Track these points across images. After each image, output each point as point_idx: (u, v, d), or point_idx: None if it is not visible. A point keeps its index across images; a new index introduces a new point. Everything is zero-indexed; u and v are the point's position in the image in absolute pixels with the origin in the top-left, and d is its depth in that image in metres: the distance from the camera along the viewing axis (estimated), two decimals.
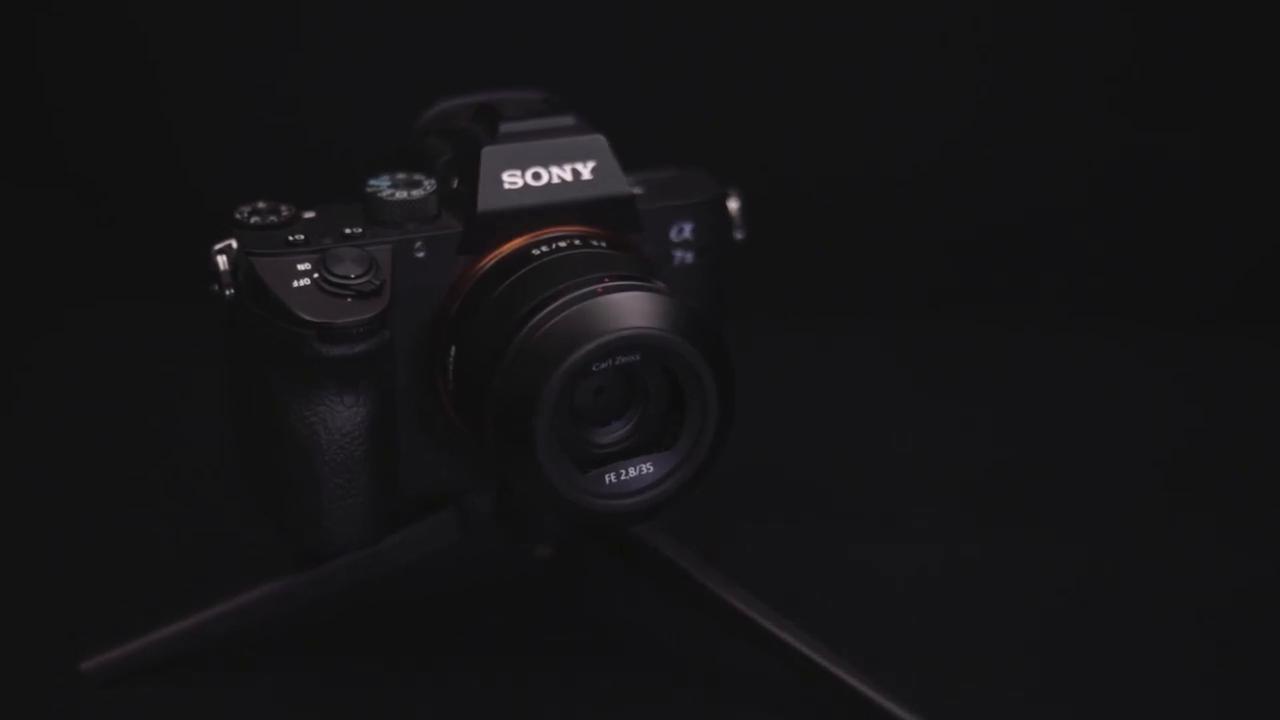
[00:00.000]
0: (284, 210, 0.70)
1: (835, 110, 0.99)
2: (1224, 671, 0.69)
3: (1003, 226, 0.98)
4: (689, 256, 0.71)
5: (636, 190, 0.69)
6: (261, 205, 0.70)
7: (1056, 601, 0.74)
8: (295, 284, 0.65)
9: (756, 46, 0.97)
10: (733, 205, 0.72)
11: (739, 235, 0.72)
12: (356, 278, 0.66)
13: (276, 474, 0.67)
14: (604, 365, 0.64)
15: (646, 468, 0.66)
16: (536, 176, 0.67)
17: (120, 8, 0.98)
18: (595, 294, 0.65)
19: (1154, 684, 0.69)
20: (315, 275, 0.66)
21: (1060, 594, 0.74)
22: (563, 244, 0.69)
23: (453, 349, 0.69)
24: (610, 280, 0.65)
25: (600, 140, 0.67)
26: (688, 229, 0.71)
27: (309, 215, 0.70)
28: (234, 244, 0.68)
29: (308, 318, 0.64)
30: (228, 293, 0.69)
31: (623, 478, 0.65)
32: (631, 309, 0.65)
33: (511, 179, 0.67)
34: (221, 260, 0.68)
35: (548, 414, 0.64)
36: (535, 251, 0.69)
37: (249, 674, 0.71)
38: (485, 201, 0.67)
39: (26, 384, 0.91)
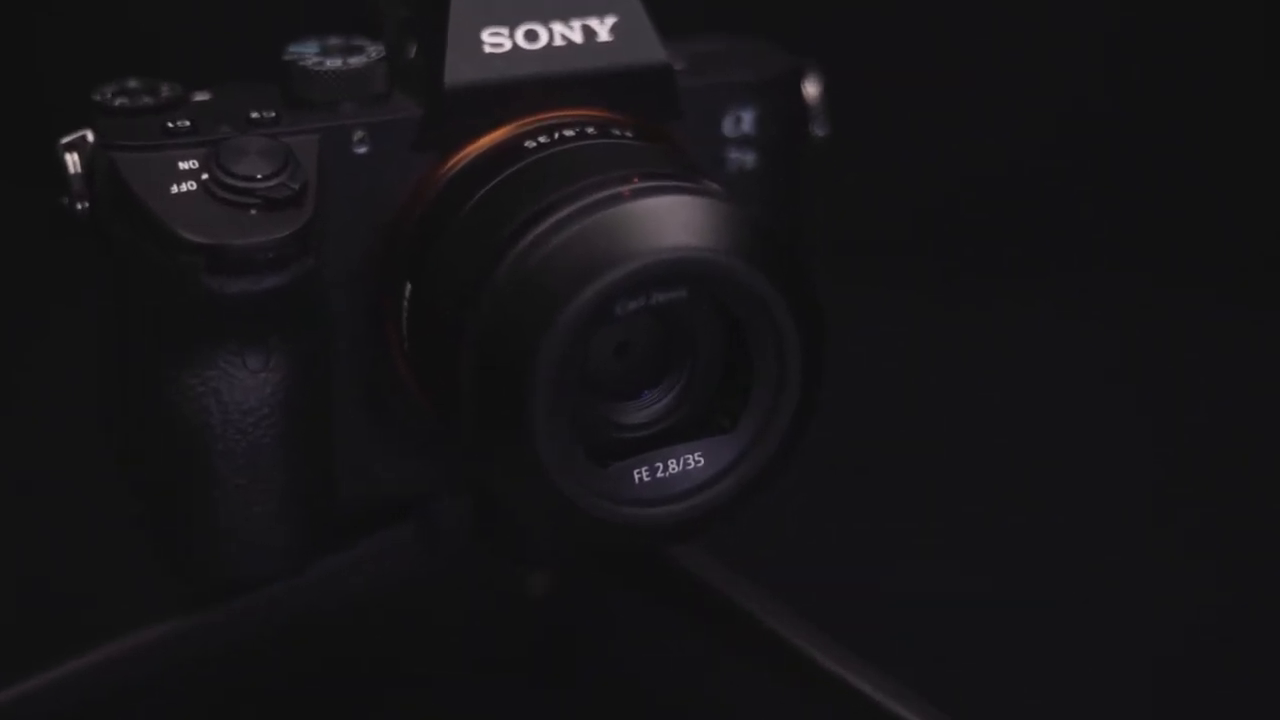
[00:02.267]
0: (164, 90, 0.51)
1: None
2: None
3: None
4: (749, 158, 0.55)
5: (677, 64, 0.53)
6: (133, 84, 0.52)
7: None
8: (175, 189, 0.48)
9: None
10: (811, 89, 0.56)
11: (820, 131, 0.56)
12: (264, 178, 0.48)
13: (156, 473, 0.51)
14: (634, 305, 0.46)
15: (694, 459, 0.48)
16: (531, 36, 0.51)
17: (120, 7, 0.94)
18: (621, 199, 0.46)
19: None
20: (204, 177, 0.48)
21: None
22: (569, 133, 0.50)
23: (408, 287, 0.50)
24: (641, 180, 0.47)
25: None
26: (748, 119, 0.54)
27: (201, 96, 0.52)
28: (89, 135, 0.50)
29: (191, 237, 0.47)
30: (80, 206, 0.50)
31: (660, 475, 0.48)
32: (675, 221, 0.46)
33: (495, 39, 0.51)
34: (71, 159, 0.50)
35: (549, 379, 0.45)
36: (529, 144, 0.50)
37: None
38: (456, 72, 0.50)
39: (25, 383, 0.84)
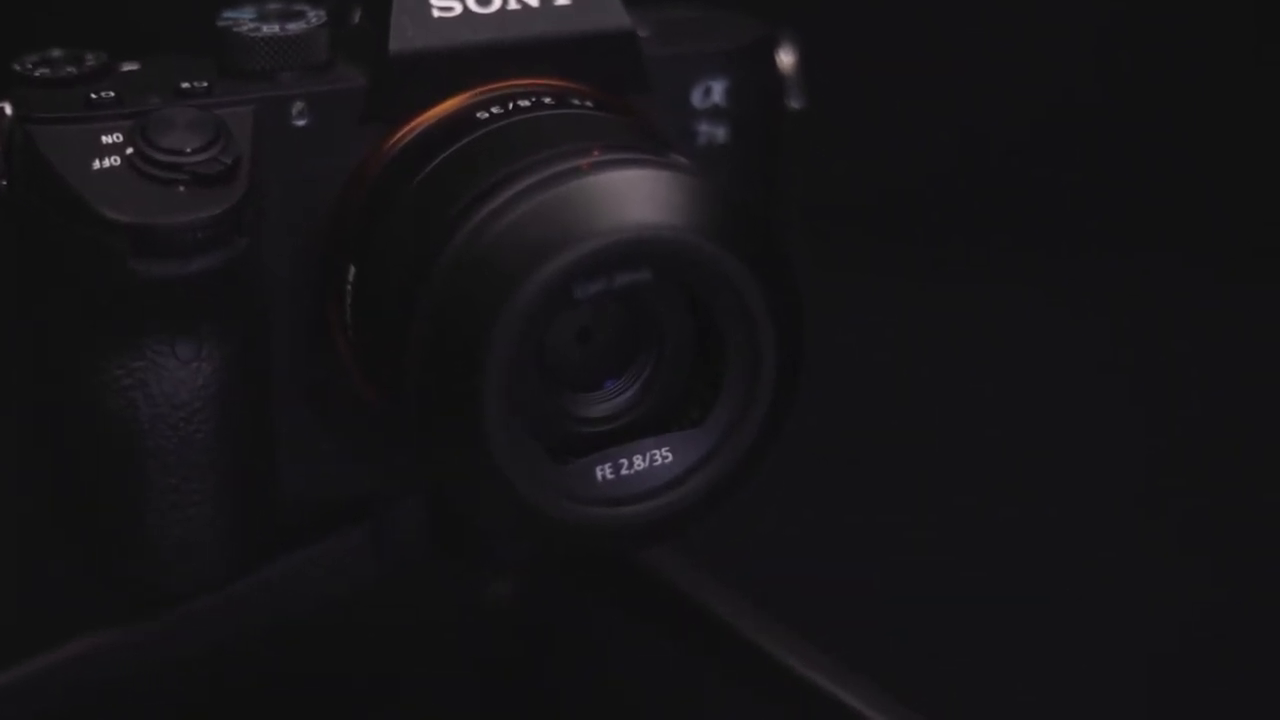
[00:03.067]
0: (88, 59, 0.48)
1: None
2: None
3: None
4: (720, 132, 0.51)
5: (642, 31, 0.49)
6: (56, 54, 0.48)
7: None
8: (97, 164, 0.44)
9: None
10: (785, 59, 0.52)
11: (795, 104, 0.52)
12: (193, 152, 0.44)
13: (75, 474, 0.47)
14: (594, 288, 0.42)
15: (662, 455, 0.44)
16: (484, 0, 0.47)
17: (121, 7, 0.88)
18: (579, 172, 0.42)
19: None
20: (129, 151, 0.44)
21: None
22: (525, 103, 0.46)
23: (351, 270, 0.45)
24: (602, 152, 0.43)
25: None
26: (719, 90, 0.51)
27: (129, 66, 0.48)
28: (7, 108, 0.46)
29: (114, 215, 0.44)
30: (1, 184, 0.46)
31: (624, 472, 0.44)
32: (638, 196, 0.42)
33: (444, 3, 0.47)
34: None
35: (503, 367, 0.41)
36: (482, 115, 0.46)
37: None
38: (401, 39, 0.47)
39: None
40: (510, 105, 0.46)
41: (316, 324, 0.48)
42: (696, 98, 0.50)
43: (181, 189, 0.43)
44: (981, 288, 0.86)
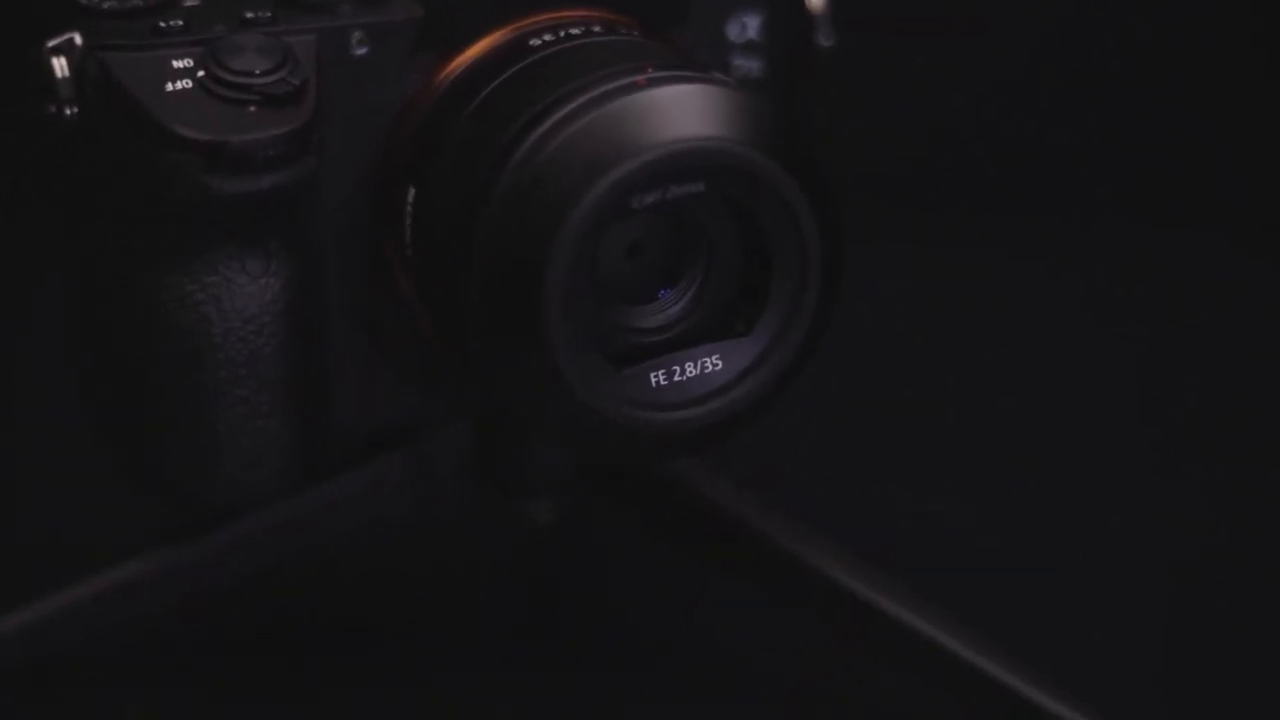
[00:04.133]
0: None
1: None
2: None
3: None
4: (754, 66, 0.53)
5: None
6: None
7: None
8: (170, 86, 0.46)
9: None
10: None
11: (825, 41, 0.53)
12: (263, 74, 0.46)
13: (143, 391, 0.48)
14: (650, 199, 0.43)
15: (713, 362, 0.46)
16: None
17: None
18: (635, 87, 0.44)
19: None
20: (201, 74, 0.46)
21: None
22: (575, 31, 0.48)
23: (411, 193, 0.47)
24: (656, 69, 0.44)
25: None
26: (753, 25, 0.52)
27: (191, 1, 0.49)
28: (77, 38, 0.47)
29: (189, 133, 0.45)
30: (69, 111, 0.47)
31: (677, 378, 0.45)
32: (694, 109, 0.44)
33: None
34: (59, 64, 0.47)
35: (563, 277, 0.43)
36: (534, 43, 0.48)
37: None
38: None
39: None
40: (561, 34, 0.47)
41: (372, 250, 0.49)
42: (733, 32, 0.51)
43: (252, 109, 0.45)
44: (992, 255, 0.86)
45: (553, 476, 0.54)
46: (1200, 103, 0.91)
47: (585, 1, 0.48)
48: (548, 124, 0.43)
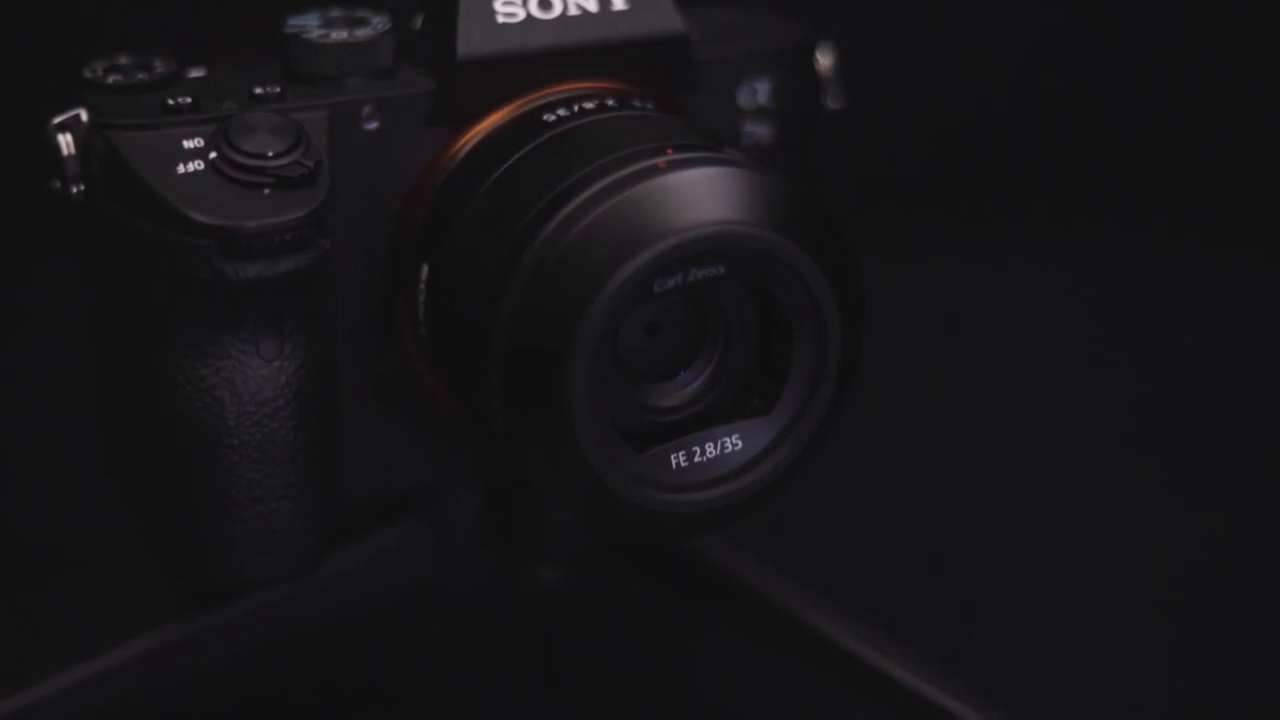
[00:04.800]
0: (158, 65, 0.48)
1: None
2: None
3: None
4: (765, 131, 0.52)
5: (692, 34, 0.50)
6: (124, 60, 0.48)
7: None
8: (181, 168, 0.44)
9: None
10: (824, 59, 0.53)
11: (833, 104, 0.53)
12: (276, 156, 0.45)
13: (157, 471, 0.47)
14: (671, 283, 0.43)
15: (732, 442, 0.45)
16: (545, 5, 0.48)
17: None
18: (656, 170, 0.43)
19: None
20: (212, 155, 0.45)
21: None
22: (589, 105, 0.47)
23: (424, 269, 0.47)
24: (675, 151, 0.44)
25: None
26: (764, 90, 0.52)
27: (196, 73, 0.48)
28: (83, 115, 0.47)
29: (203, 218, 0.44)
30: (74, 190, 0.46)
31: (697, 459, 0.45)
32: (715, 193, 0.43)
33: (508, 9, 0.48)
34: (64, 140, 0.46)
35: (588, 360, 0.42)
36: (549, 117, 0.47)
37: None
38: (469, 43, 0.47)
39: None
40: (575, 108, 0.47)
41: (384, 324, 0.48)
42: (743, 98, 0.51)
43: (266, 191, 0.44)
44: (986, 266, 0.86)
45: (564, 542, 0.54)
46: (1200, 105, 0.91)
47: (597, 71, 0.48)
48: (569, 208, 0.43)
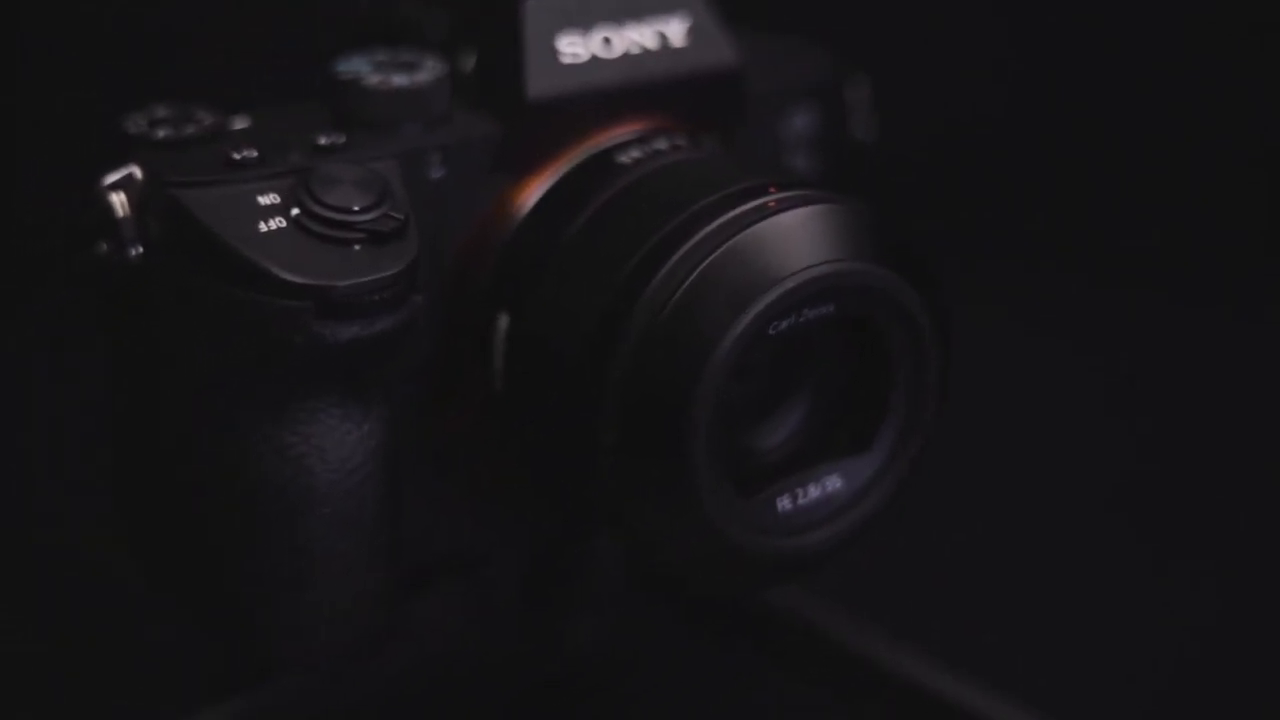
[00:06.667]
0: (202, 116, 0.45)
1: None
2: None
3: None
4: (804, 163, 0.51)
5: None
6: (163, 112, 0.45)
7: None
8: (263, 226, 0.42)
9: None
10: (857, 92, 0.53)
11: (867, 136, 0.53)
12: (364, 210, 0.42)
13: (228, 549, 0.44)
14: (785, 325, 0.42)
15: (833, 482, 0.44)
16: (607, 44, 0.47)
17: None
18: (768, 211, 0.42)
19: None
20: (295, 211, 0.42)
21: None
22: (661, 146, 0.46)
23: (503, 322, 0.44)
24: (778, 189, 0.43)
25: None
26: (805, 122, 0.51)
27: (241, 124, 0.45)
28: (137, 172, 0.43)
29: (294, 278, 0.41)
30: (134, 252, 0.43)
31: (801, 501, 0.44)
32: (825, 232, 0.42)
33: (572, 49, 0.46)
34: (118, 201, 0.43)
35: (710, 410, 0.41)
36: (623, 160, 0.46)
37: None
38: (537, 85, 0.46)
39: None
40: (649, 149, 0.45)
41: (443, 378, 0.46)
42: (786, 130, 0.50)
43: (357, 248, 0.41)
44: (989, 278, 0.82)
45: (602, 595, 0.52)
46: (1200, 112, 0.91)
47: (654, 109, 0.46)
48: (678, 255, 0.41)
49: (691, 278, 0.41)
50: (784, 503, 0.43)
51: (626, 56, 0.46)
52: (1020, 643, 0.60)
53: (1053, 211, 0.90)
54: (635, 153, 0.45)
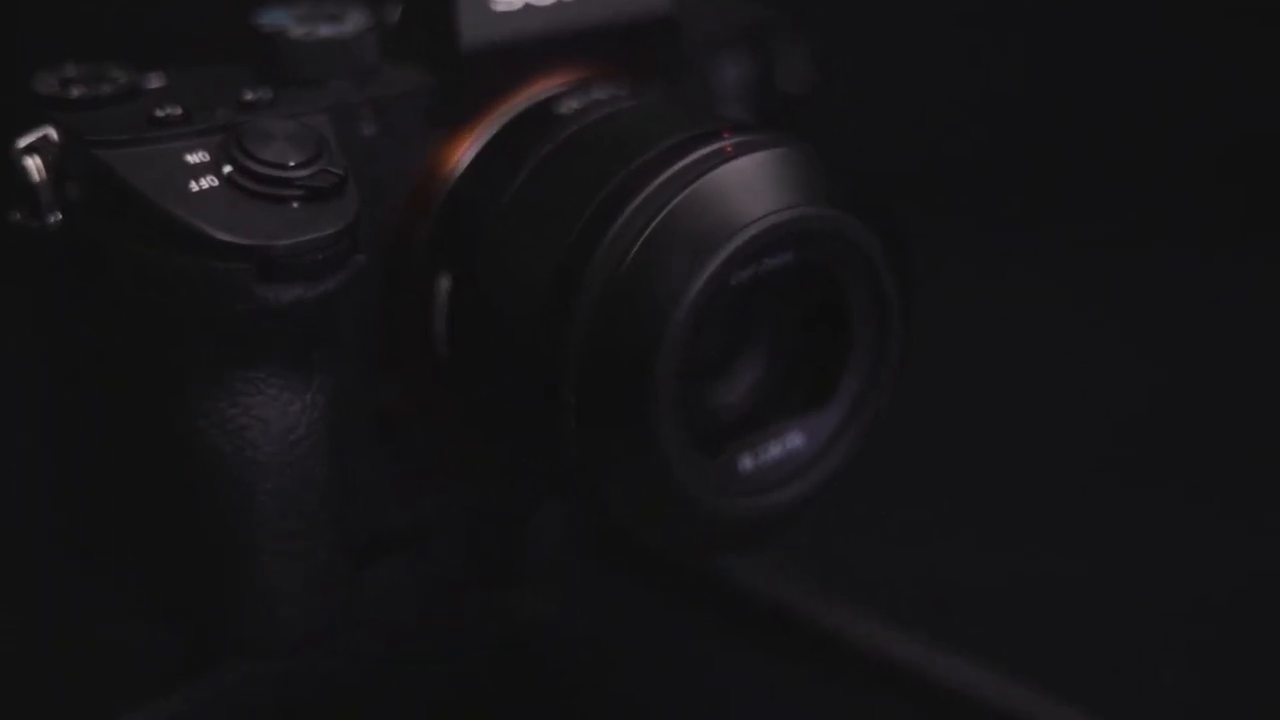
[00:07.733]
0: (117, 74, 0.42)
1: None
2: None
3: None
4: (745, 112, 0.50)
5: None
6: (74, 71, 0.43)
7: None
8: (194, 185, 0.39)
9: None
10: (795, 41, 0.51)
11: (797, 90, 0.51)
12: (300, 165, 0.40)
13: (172, 528, 0.42)
14: (746, 275, 0.40)
15: (794, 440, 0.43)
16: None
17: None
18: (726, 156, 0.40)
19: None
20: (227, 169, 0.39)
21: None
22: (601, 95, 0.44)
23: (443, 283, 0.42)
24: (732, 134, 0.41)
25: None
26: (744, 72, 0.50)
27: (156, 82, 0.43)
28: (53, 134, 0.41)
29: (232, 239, 0.39)
30: (52, 219, 0.40)
31: (763, 460, 0.42)
32: (785, 176, 0.41)
33: None
34: (33, 164, 0.40)
35: (673, 368, 0.39)
36: (562, 110, 0.43)
37: None
38: (472, 34, 0.44)
39: None
40: (588, 98, 0.43)
41: (382, 345, 0.44)
42: (725, 80, 0.48)
43: (295, 205, 0.39)
44: (977, 262, 0.83)
45: (552, 564, 0.50)
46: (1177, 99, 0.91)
47: (591, 58, 0.44)
48: (635, 202, 0.39)
49: (650, 228, 0.39)
50: (745, 461, 0.42)
51: (560, 3, 0.44)
52: (1000, 614, 0.59)
53: (1019, 172, 0.90)
54: (575, 103, 0.43)
